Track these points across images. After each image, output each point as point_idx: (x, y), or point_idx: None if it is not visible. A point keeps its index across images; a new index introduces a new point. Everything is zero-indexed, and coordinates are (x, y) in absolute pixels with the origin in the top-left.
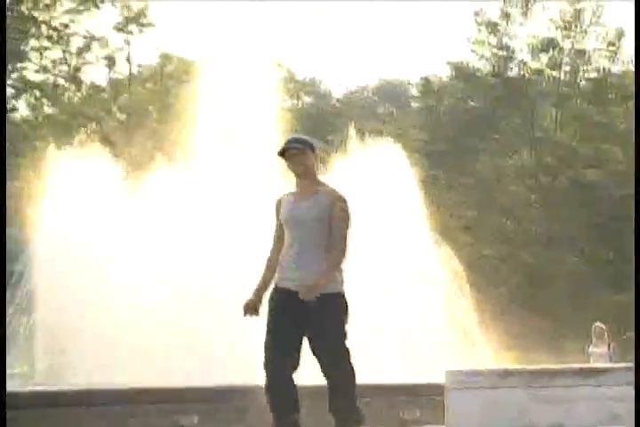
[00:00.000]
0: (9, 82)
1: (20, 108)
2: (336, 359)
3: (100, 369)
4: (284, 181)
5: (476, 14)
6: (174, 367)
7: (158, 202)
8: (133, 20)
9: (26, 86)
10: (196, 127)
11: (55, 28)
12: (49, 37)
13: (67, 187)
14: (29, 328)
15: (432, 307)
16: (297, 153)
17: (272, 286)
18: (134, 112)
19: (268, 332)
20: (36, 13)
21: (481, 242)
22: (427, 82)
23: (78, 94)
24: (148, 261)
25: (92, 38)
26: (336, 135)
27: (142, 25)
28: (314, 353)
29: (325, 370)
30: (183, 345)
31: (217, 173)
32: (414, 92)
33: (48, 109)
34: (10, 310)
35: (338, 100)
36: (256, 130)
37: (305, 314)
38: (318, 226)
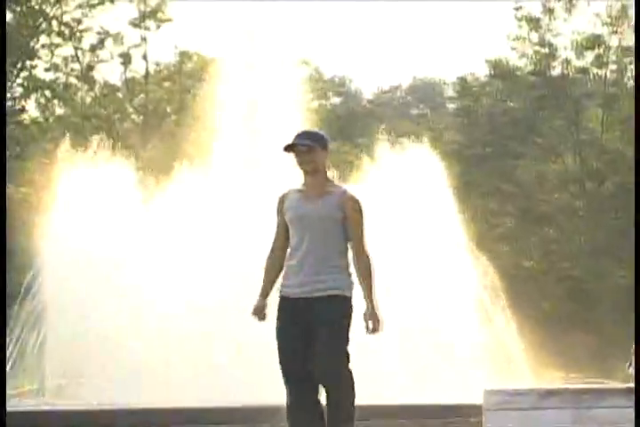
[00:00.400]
0: (18, 81)
1: (30, 109)
2: (333, 365)
3: (114, 387)
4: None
5: (517, 9)
6: (191, 385)
7: (176, 210)
8: (150, 15)
9: (35, 86)
10: (216, 130)
11: (67, 24)
12: (60, 33)
13: (78, 194)
14: (39, 344)
15: (466, 322)
16: (306, 150)
17: (278, 291)
18: (151, 113)
19: (280, 349)
20: (46, 8)
21: (520, 253)
22: (463, 81)
23: (91, 94)
24: (167, 275)
25: (107, 34)
26: (366, 138)
27: (160, 20)
28: (314, 355)
29: (321, 377)
30: (203, 362)
31: (239, 179)
32: (450, 92)
33: (59, 110)
34: (18, 325)
35: (369, 101)
36: (280, 133)
37: (313, 320)
38: (330, 227)
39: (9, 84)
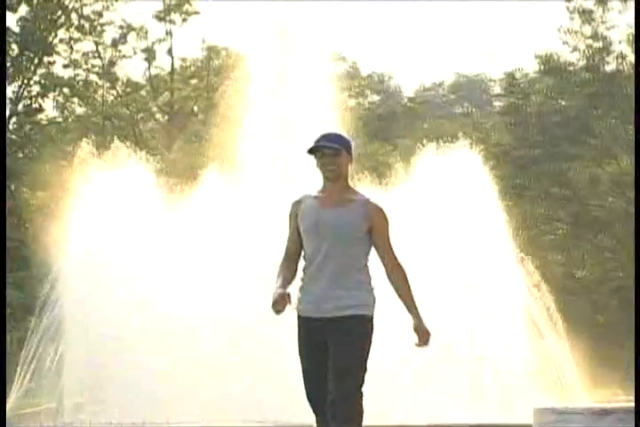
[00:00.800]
0: (35, 78)
1: (47, 108)
2: (345, 409)
3: (135, 405)
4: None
5: (568, 0)
6: (214, 403)
7: (202, 218)
8: (176, 8)
9: (53, 83)
10: (245, 131)
11: (87, 17)
12: (80, 28)
13: (98, 199)
14: (57, 360)
15: (513, 336)
16: (332, 154)
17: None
18: (176, 113)
19: (303, 371)
20: (65, 0)
21: (572, 262)
22: (511, 78)
23: (113, 92)
24: (192, 287)
25: (129, 28)
26: (407, 139)
27: (186, 13)
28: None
29: (331, 418)
30: (229, 379)
31: (269, 183)
32: (497, 89)
33: (78, 110)
34: (35, 340)
35: (409, 99)
36: (314, 135)
37: (330, 340)
38: (351, 238)
39: (26, 81)
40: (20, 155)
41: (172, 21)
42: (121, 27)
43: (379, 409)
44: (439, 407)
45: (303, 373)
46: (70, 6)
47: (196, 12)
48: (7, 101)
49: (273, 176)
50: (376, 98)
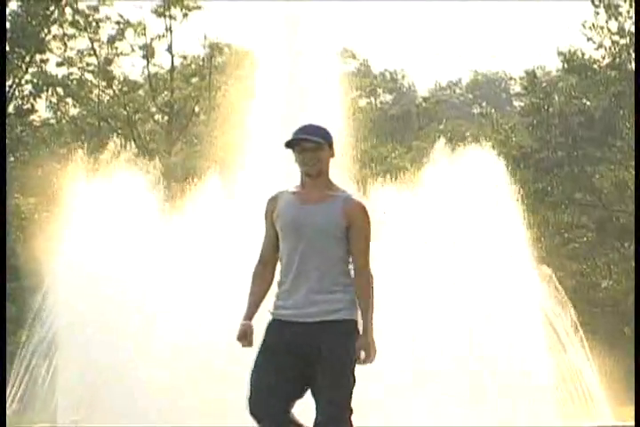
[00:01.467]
0: (26, 77)
1: (40, 109)
2: (335, 413)
3: (132, 420)
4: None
5: None
6: (210, 418)
7: (204, 224)
8: (176, 3)
9: (46, 82)
10: (250, 132)
11: (82, 12)
12: (74, 23)
13: (93, 205)
14: (50, 375)
15: (535, 349)
16: (313, 148)
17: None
18: (176, 113)
19: (255, 382)
20: None
21: (598, 271)
22: (532, 76)
23: (109, 92)
24: (192, 300)
25: (127, 24)
26: (422, 140)
27: (187, 8)
28: (314, 395)
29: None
30: (229, 389)
31: (274, 187)
32: (517, 88)
33: (73, 110)
34: (27, 355)
35: (424, 99)
36: None
37: (308, 350)
38: (330, 237)
39: (17, 80)
40: (12, 158)
41: (172, 17)
42: (118, 22)
43: (379, 409)
44: (439, 407)
45: (254, 382)
46: (64, 0)
47: (198, 7)
48: None
49: (279, 181)
50: (388, 97)
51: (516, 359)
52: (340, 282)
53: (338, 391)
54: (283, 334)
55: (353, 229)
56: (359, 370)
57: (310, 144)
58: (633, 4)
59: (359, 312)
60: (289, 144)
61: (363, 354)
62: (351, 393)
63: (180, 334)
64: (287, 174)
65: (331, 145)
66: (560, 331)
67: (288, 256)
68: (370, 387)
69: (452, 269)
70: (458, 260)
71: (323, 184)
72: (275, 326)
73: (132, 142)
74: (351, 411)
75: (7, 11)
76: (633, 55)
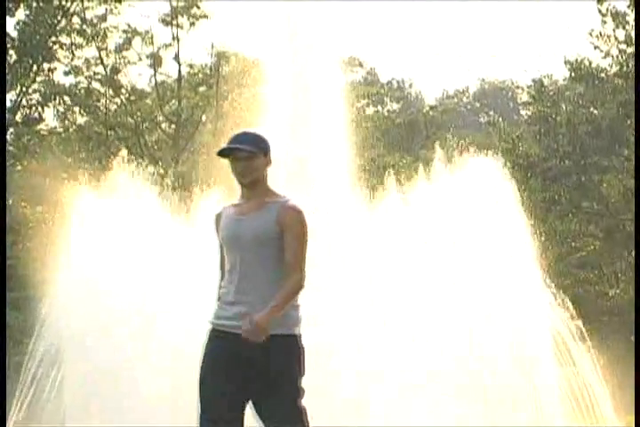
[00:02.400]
0: (34, 86)
1: (47, 118)
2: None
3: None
4: (362, 213)
5: (600, 3)
6: None
7: (212, 236)
8: (184, 12)
9: (54, 91)
10: None
11: (89, 22)
12: (82, 32)
13: (100, 215)
14: (56, 387)
15: (541, 361)
16: (247, 157)
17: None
18: (184, 122)
19: (205, 383)
20: (66, 3)
21: (605, 280)
22: (539, 85)
23: (116, 101)
24: (197, 307)
25: (134, 33)
26: (429, 150)
27: (194, 17)
28: (260, 417)
29: None
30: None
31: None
32: (524, 97)
33: (80, 119)
34: (33, 364)
35: (431, 107)
36: (328, 143)
37: (248, 364)
38: (266, 247)
39: (24, 89)
40: (19, 167)
41: (179, 25)
42: (125, 31)
43: (379, 409)
44: (439, 407)
45: (206, 385)
46: (72, 10)
47: (205, 16)
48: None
49: (287, 188)
50: (395, 106)
51: (518, 360)
52: None
53: (282, 404)
54: (225, 343)
55: (286, 234)
56: (360, 370)
57: (243, 153)
58: (632, 9)
59: (295, 319)
60: (221, 153)
61: (248, 324)
62: (298, 402)
63: (187, 344)
64: (290, 182)
65: (266, 153)
66: (567, 338)
67: (231, 267)
68: (370, 387)
69: (452, 269)
70: (458, 260)
71: (261, 193)
72: (216, 337)
73: (139, 151)
74: (301, 394)
75: (14, 20)
76: (632, 62)
